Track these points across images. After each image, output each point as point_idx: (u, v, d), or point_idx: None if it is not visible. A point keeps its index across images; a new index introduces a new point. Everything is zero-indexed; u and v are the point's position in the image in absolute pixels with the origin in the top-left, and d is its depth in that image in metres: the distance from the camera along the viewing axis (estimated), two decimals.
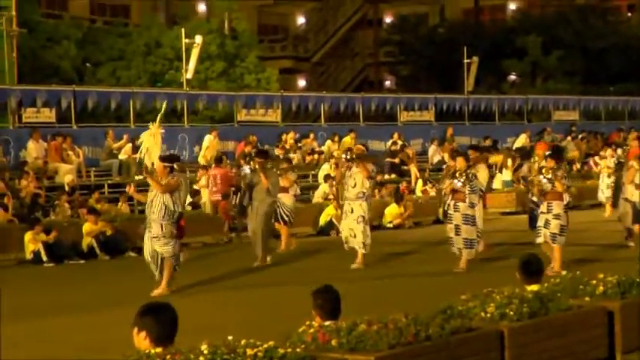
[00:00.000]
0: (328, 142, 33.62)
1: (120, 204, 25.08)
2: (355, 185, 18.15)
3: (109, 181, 27.63)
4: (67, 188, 25.65)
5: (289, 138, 32.54)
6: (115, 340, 9.65)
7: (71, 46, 38.01)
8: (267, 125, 33.77)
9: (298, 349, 7.11)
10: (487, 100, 41.20)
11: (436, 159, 35.02)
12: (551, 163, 17.17)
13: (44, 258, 20.37)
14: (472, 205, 17.43)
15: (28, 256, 20.80)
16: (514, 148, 37.08)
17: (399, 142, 34.75)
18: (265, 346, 6.82)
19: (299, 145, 32.90)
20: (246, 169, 20.54)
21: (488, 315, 8.80)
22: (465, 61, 41.25)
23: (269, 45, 57.79)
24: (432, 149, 35.47)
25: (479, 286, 9.84)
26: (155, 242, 15.57)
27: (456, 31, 53.70)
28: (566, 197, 17.14)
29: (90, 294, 16.59)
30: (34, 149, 27.00)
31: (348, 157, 18.69)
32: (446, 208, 18.20)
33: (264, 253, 19.28)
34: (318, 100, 36.61)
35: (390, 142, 35.01)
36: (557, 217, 16.70)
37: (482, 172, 19.42)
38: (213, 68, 40.18)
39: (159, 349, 6.46)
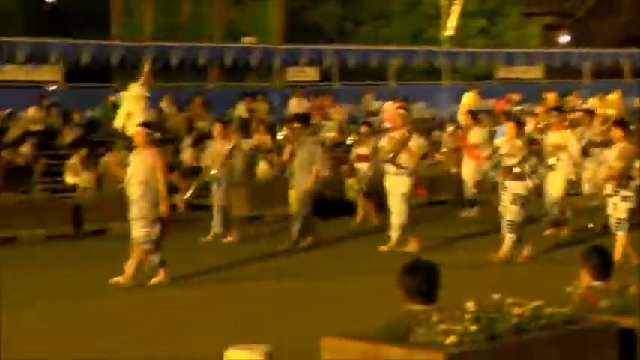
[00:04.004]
0: (591, 99, 32.79)
1: None
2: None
3: None
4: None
5: (550, 96, 31.91)
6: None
7: (334, 5, 38.55)
8: (527, 82, 33.26)
9: (565, 309, 7.01)
10: None
11: None
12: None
13: None
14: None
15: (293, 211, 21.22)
16: None
17: None
18: (532, 305, 6.76)
19: (561, 102, 32.23)
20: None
21: None
22: None
23: (533, 0, 56.74)
24: None
25: None
26: (132, 224, 13.51)
27: None
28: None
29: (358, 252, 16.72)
30: (296, 107, 27.65)
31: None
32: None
33: (302, 233, 17.29)
34: (581, 56, 35.72)
35: None
36: (625, 199, 14.46)
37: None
38: (473, 25, 39.83)
39: (423, 307, 6.54)
